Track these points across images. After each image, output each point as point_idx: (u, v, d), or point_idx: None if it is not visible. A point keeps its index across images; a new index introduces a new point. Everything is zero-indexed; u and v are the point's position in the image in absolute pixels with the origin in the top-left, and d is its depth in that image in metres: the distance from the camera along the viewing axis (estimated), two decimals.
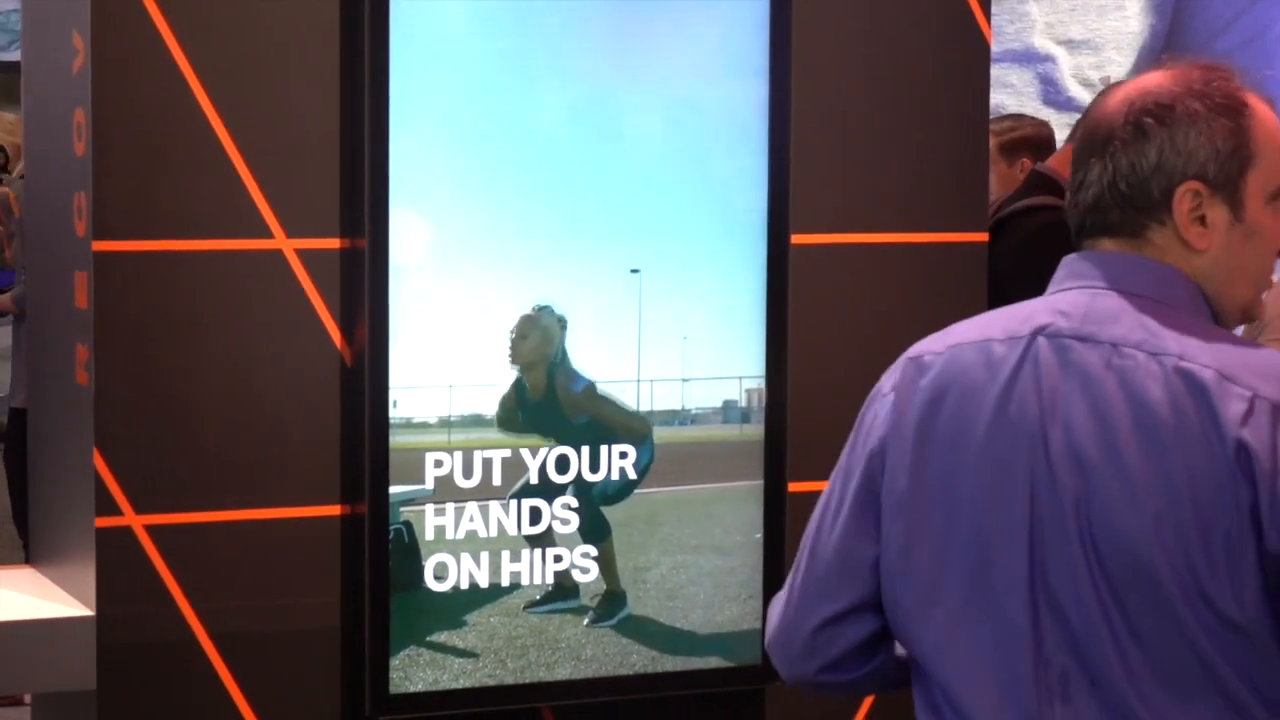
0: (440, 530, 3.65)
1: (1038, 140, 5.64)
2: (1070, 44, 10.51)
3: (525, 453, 3.70)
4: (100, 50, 3.48)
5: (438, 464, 3.64)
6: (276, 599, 3.61)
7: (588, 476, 3.73)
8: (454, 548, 3.66)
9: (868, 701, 3.98)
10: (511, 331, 3.67)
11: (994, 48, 4.19)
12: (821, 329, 3.92)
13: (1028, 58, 10.50)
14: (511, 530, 3.69)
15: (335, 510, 3.63)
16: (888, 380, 2.20)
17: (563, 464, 3.72)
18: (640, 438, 3.75)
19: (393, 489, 3.60)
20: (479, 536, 3.67)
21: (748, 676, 3.83)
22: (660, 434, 3.78)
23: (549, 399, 3.69)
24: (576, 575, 3.73)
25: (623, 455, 3.76)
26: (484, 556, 3.67)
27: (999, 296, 3.85)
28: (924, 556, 2.12)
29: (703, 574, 3.81)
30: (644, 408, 3.76)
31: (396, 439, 3.60)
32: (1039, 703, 2.05)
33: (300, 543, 3.61)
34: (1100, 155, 2.12)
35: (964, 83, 4.05)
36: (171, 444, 3.54)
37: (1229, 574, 1.97)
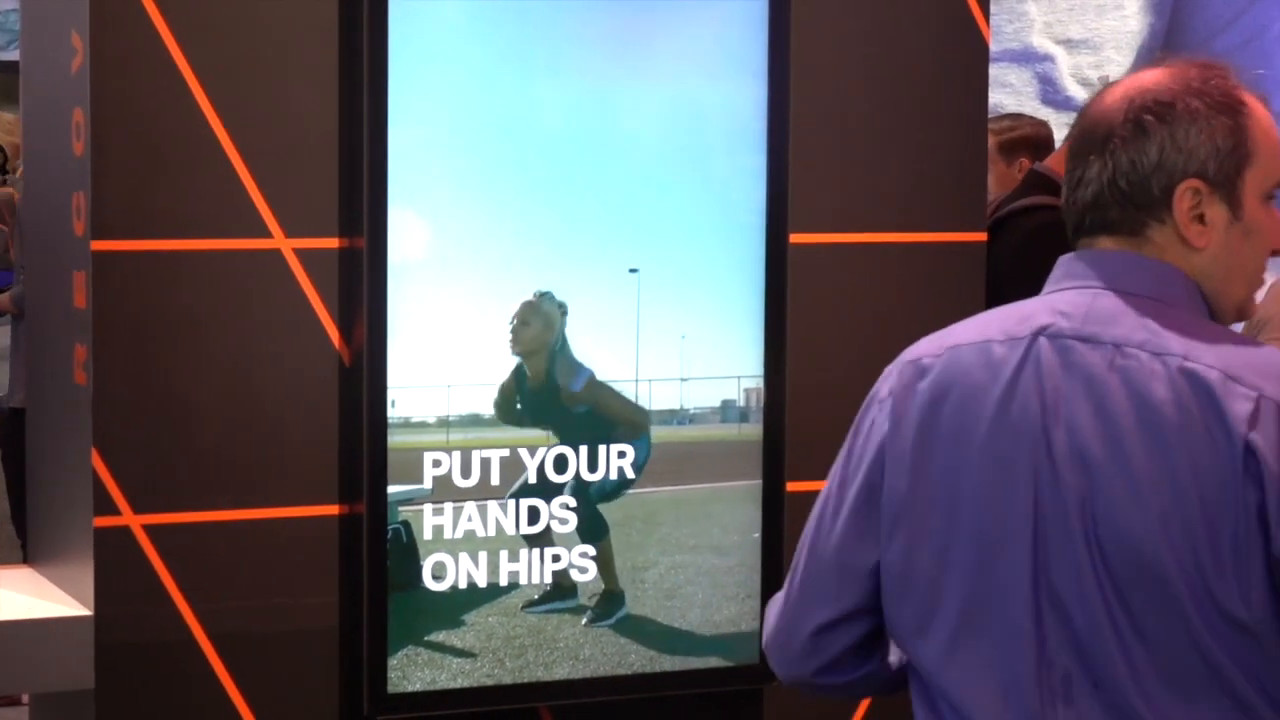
0: (438, 530, 3.65)
1: (1036, 140, 5.64)
2: (1069, 43, 10.51)
3: (523, 452, 3.70)
4: (99, 50, 3.48)
5: (436, 464, 3.64)
6: (275, 599, 3.61)
7: (586, 476, 3.73)
8: (452, 547, 3.66)
9: (866, 700, 3.98)
10: (512, 319, 3.66)
11: (993, 47, 4.19)
12: (820, 329, 3.92)
13: (1026, 57, 10.50)
14: (510, 530, 3.69)
15: (333, 510, 3.63)
16: (884, 384, 2.19)
17: (561, 463, 3.72)
18: (638, 431, 3.75)
19: (391, 489, 3.60)
20: (477, 536, 3.67)
21: (746, 676, 3.83)
22: (659, 433, 3.78)
23: (548, 387, 3.69)
24: (575, 575, 3.73)
25: (621, 455, 3.76)
26: (482, 556, 3.67)
27: (997, 296, 3.85)
28: (926, 558, 2.12)
29: (701, 574, 3.81)
30: (650, 442, 3.76)
31: (395, 439, 3.60)
32: (1041, 704, 2.04)
33: (298, 542, 3.61)
34: (1100, 153, 2.11)
35: (963, 82, 4.05)
36: (170, 444, 3.53)
37: (1236, 574, 1.97)
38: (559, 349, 3.69)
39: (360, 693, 3.62)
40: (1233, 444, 1.97)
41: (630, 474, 3.76)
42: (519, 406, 3.68)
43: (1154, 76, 2.12)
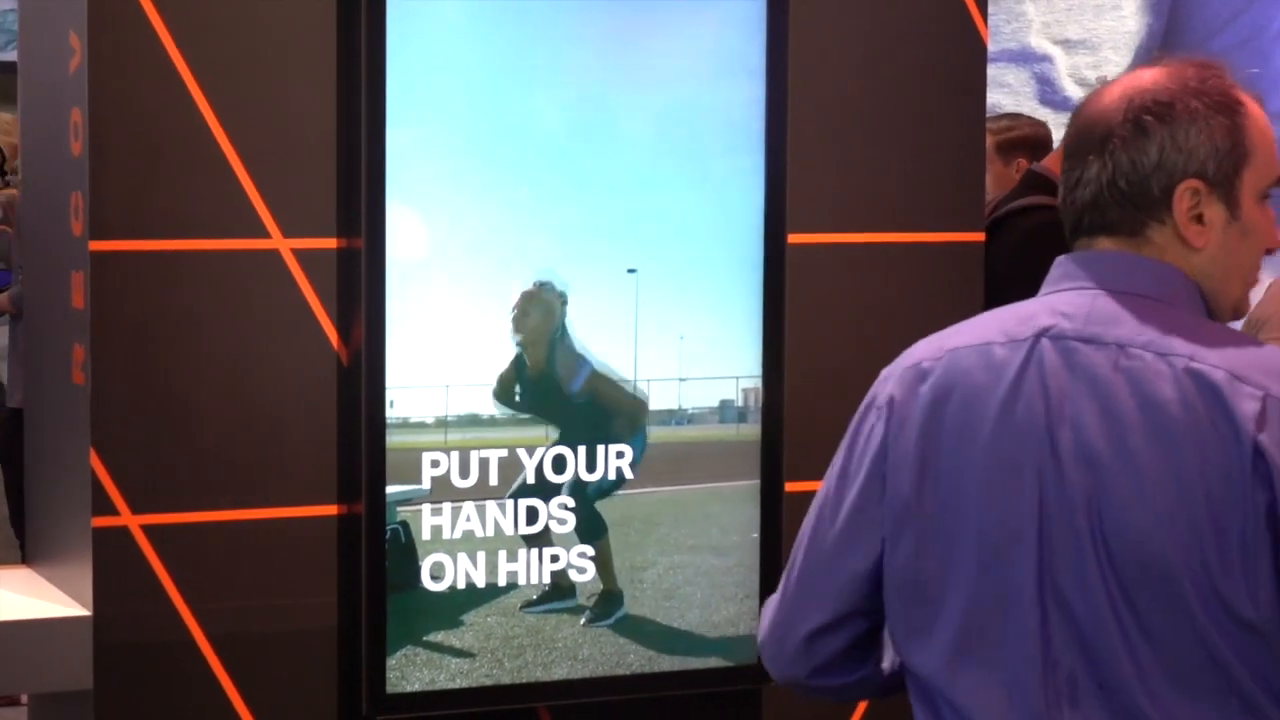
0: (437, 530, 3.65)
1: (1034, 140, 5.64)
2: (1067, 44, 10.51)
3: (522, 452, 3.70)
4: (97, 50, 3.48)
5: (434, 464, 3.64)
6: (273, 599, 3.61)
7: (585, 476, 3.73)
8: (451, 547, 3.66)
9: (864, 702, 3.98)
10: (513, 308, 3.66)
11: (991, 47, 4.19)
12: (818, 329, 3.92)
13: (1024, 57, 10.50)
14: (508, 530, 3.70)
15: (332, 510, 3.63)
16: (883, 390, 2.19)
17: (559, 463, 3.72)
18: (636, 421, 3.74)
19: (389, 489, 3.60)
20: (476, 536, 3.67)
21: (744, 676, 3.83)
22: (657, 434, 3.78)
23: (548, 376, 3.69)
24: (573, 575, 3.73)
25: (620, 455, 3.76)
26: (481, 556, 3.68)
27: (996, 296, 3.85)
28: (931, 561, 2.11)
29: (699, 574, 3.81)
30: (646, 435, 3.76)
31: (393, 439, 3.60)
32: (1047, 706, 2.04)
33: (297, 543, 3.61)
34: (1099, 153, 2.11)
35: (961, 82, 4.05)
36: (168, 444, 3.53)
37: (1244, 573, 1.97)
38: (559, 338, 3.69)
39: (359, 693, 3.62)
40: (1241, 444, 1.97)
41: (629, 474, 3.76)
42: (518, 396, 3.68)
43: (1152, 76, 2.12)
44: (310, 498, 3.62)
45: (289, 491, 3.61)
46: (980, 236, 4.10)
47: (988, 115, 4.27)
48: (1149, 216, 2.10)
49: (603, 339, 3.74)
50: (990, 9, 4.10)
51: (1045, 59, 10.52)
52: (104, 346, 3.50)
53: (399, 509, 3.62)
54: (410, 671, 3.62)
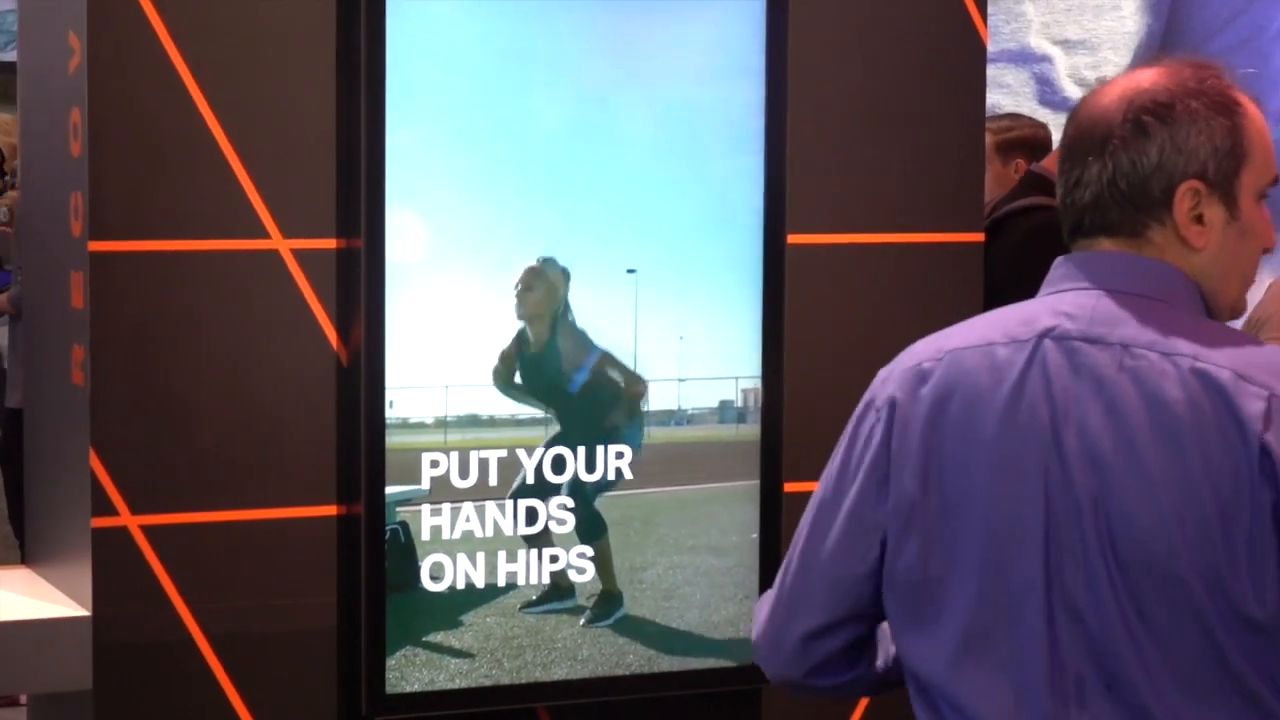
0: (436, 530, 3.65)
1: (1034, 141, 5.64)
2: (1066, 44, 10.50)
3: (521, 453, 3.70)
4: (96, 50, 3.48)
5: (434, 464, 3.64)
6: (273, 599, 3.61)
7: (584, 476, 3.73)
8: (450, 548, 3.66)
9: (863, 701, 3.98)
10: (516, 285, 3.66)
11: (990, 47, 4.19)
12: (818, 329, 3.92)
13: (1024, 58, 10.49)
14: (508, 530, 3.70)
15: (331, 510, 3.63)
16: (881, 391, 2.18)
17: (559, 464, 3.72)
18: (635, 401, 3.74)
19: (389, 489, 3.60)
20: (475, 537, 3.67)
21: (744, 677, 3.83)
22: (656, 434, 3.78)
23: (550, 353, 3.69)
24: (573, 575, 3.73)
25: (619, 455, 3.76)
26: (480, 557, 3.68)
27: (995, 296, 3.85)
28: (936, 563, 2.11)
29: (699, 574, 3.81)
30: (643, 422, 3.76)
31: (393, 439, 3.60)
32: (1055, 708, 2.04)
33: (297, 543, 3.61)
34: (1098, 154, 2.11)
35: (960, 83, 4.05)
36: (168, 444, 3.53)
37: (1250, 573, 1.97)
38: (562, 313, 3.69)
39: (358, 693, 3.62)
40: (1247, 444, 1.97)
41: (627, 473, 3.76)
42: (518, 375, 3.67)
43: (1150, 77, 2.12)
44: (310, 498, 3.62)
45: (288, 492, 3.61)
46: (980, 237, 4.10)
47: (987, 115, 4.27)
48: (1149, 217, 2.10)
49: (602, 339, 3.74)
50: (990, 9, 4.10)
51: (1045, 59, 10.51)
52: (103, 347, 3.50)
53: (398, 509, 3.62)
54: (410, 672, 3.62)
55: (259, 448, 3.58)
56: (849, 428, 2.21)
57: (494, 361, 3.66)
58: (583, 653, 3.73)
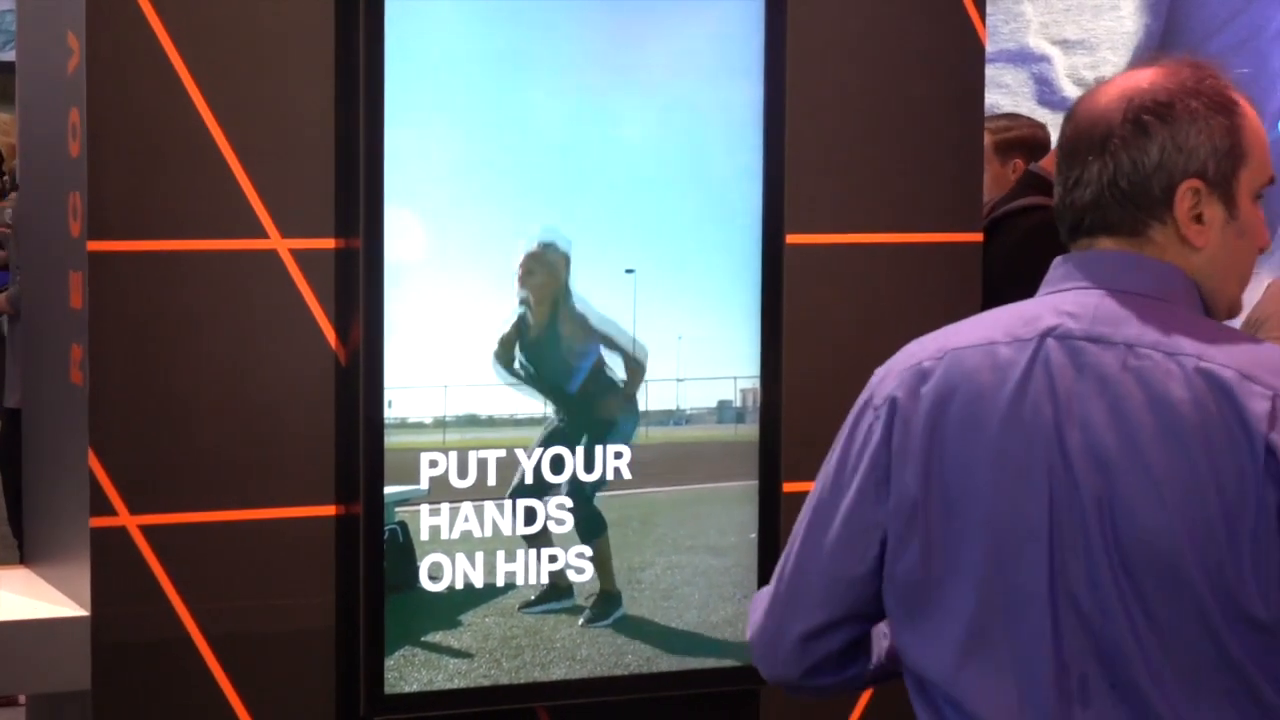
0: (435, 530, 3.65)
1: (1032, 141, 5.64)
2: (1065, 44, 10.50)
3: (520, 453, 3.70)
4: (95, 50, 3.48)
5: (433, 464, 3.64)
6: (271, 599, 3.61)
7: (582, 476, 3.74)
8: (449, 548, 3.66)
9: (863, 700, 3.98)
10: (518, 267, 3.66)
11: (989, 48, 4.19)
12: (816, 329, 3.92)
13: (1023, 58, 10.49)
14: (506, 530, 3.70)
15: (330, 510, 3.63)
16: (880, 390, 2.17)
17: (558, 464, 3.72)
18: (635, 378, 3.73)
19: (388, 489, 3.60)
20: (474, 537, 3.67)
21: (742, 677, 3.83)
22: (655, 434, 3.78)
23: (550, 337, 3.68)
24: (571, 575, 3.73)
25: (618, 455, 3.76)
26: (479, 557, 3.68)
27: (994, 296, 3.85)
28: (938, 562, 2.11)
29: (697, 574, 3.81)
30: (639, 408, 3.76)
31: (391, 439, 3.60)
32: (1059, 707, 2.04)
33: (295, 543, 3.61)
34: (1099, 153, 2.11)
35: (959, 83, 4.06)
36: (166, 444, 3.53)
37: (1255, 573, 1.97)
38: (563, 297, 3.69)
39: (357, 693, 3.62)
40: (1253, 444, 1.97)
41: (626, 473, 3.76)
42: (518, 359, 3.66)
43: (1149, 77, 2.12)
44: (308, 498, 3.62)
45: (287, 492, 3.61)
46: (978, 237, 4.10)
47: (985, 115, 4.27)
48: (1150, 216, 2.10)
49: (602, 328, 3.74)
50: (988, 9, 4.10)
51: (1043, 59, 10.51)
52: (102, 347, 3.50)
53: (397, 509, 3.62)
54: (408, 672, 3.62)
55: (258, 448, 3.58)
56: (846, 427, 2.20)
57: (490, 361, 3.66)
58: (581, 653, 3.73)
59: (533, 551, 3.71)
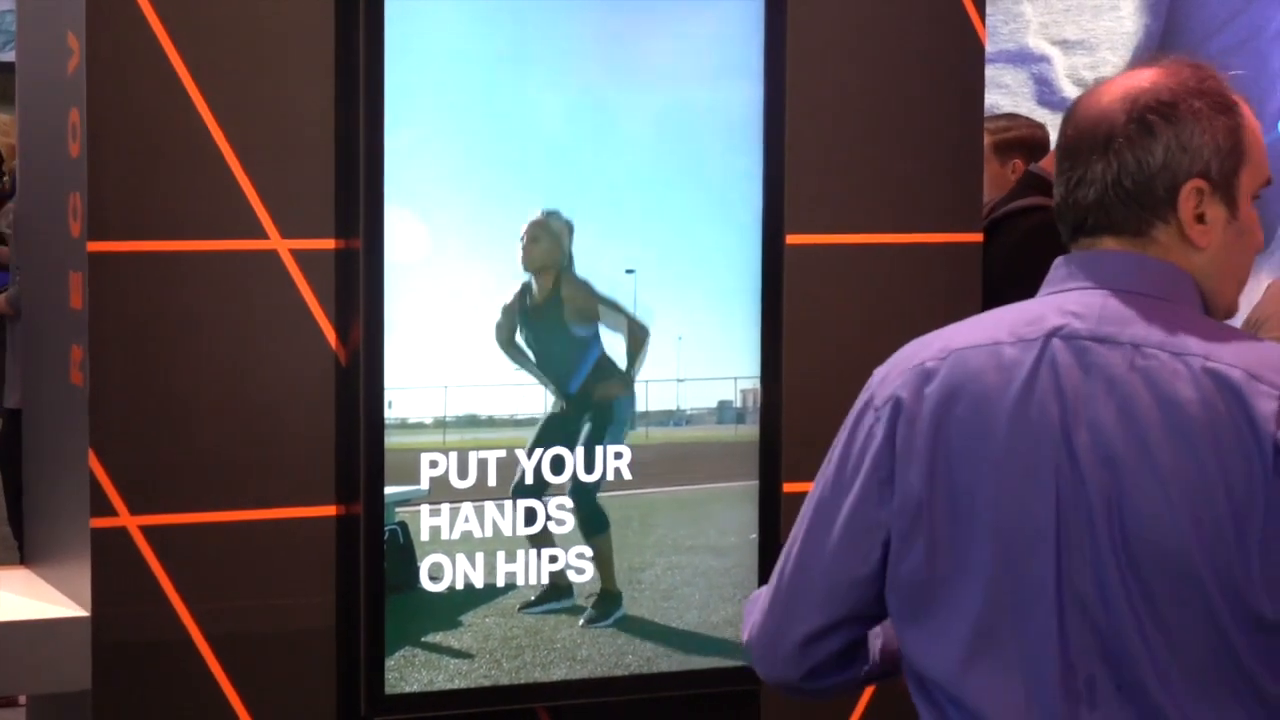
0: (435, 531, 3.65)
1: (1031, 141, 5.64)
2: (1065, 44, 10.49)
3: (520, 453, 3.70)
4: (95, 51, 3.48)
5: (433, 464, 3.64)
6: (272, 599, 3.61)
7: (583, 477, 3.74)
8: (449, 548, 3.66)
9: (863, 700, 3.98)
10: (521, 237, 3.66)
11: (988, 48, 4.19)
12: (816, 329, 3.92)
13: (1022, 58, 10.48)
14: (507, 531, 3.70)
15: (330, 511, 3.63)
16: (881, 390, 2.16)
17: (557, 464, 3.72)
18: (638, 345, 3.73)
19: (388, 489, 3.60)
20: (474, 537, 3.67)
21: (743, 677, 3.83)
22: (655, 434, 3.79)
23: (553, 306, 3.68)
24: (572, 576, 3.73)
25: (618, 456, 3.76)
26: (479, 557, 3.68)
27: (993, 297, 3.85)
28: (942, 561, 2.10)
29: (698, 574, 3.81)
30: (639, 408, 3.77)
31: (391, 439, 3.60)
32: (1066, 708, 2.03)
33: (295, 543, 3.61)
34: (1102, 153, 2.10)
35: (959, 83, 4.06)
36: (166, 444, 3.53)
37: (1264, 573, 1.97)
38: (566, 267, 3.69)
39: (357, 693, 3.62)
40: (1261, 443, 1.97)
41: (626, 473, 3.76)
42: (520, 330, 3.66)
43: (1150, 76, 2.12)
44: (308, 498, 3.62)
45: (287, 492, 3.61)
46: (978, 237, 4.10)
47: (985, 115, 4.27)
48: (1154, 216, 2.10)
49: (601, 335, 3.74)
50: (988, 9, 4.10)
51: (1043, 60, 10.51)
52: (102, 347, 3.50)
53: (397, 509, 3.62)
54: (409, 672, 3.62)
55: (258, 448, 3.58)
56: (846, 428, 2.20)
57: (493, 362, 3.66)
58: (582, 653, 3.73)
59: (533, 552, 3.70)
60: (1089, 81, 2.20)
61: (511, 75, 3.65)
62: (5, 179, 7.62)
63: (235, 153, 3.55)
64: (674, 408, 3.80)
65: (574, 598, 3.73)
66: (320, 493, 3.62)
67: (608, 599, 3.75)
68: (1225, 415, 1.99)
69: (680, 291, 3.78)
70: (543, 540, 3.72)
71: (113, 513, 3.50)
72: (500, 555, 3.69)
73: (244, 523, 3.58)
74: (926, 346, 2.16)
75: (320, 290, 3.61)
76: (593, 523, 3.74)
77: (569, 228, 3.67)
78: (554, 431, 3.71)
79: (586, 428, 3.73)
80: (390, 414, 3.59)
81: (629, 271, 3.74)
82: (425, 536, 3.64)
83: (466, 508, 3.67)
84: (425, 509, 3.64)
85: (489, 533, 3.68)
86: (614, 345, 3.74)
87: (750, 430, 3.84)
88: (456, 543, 3.66)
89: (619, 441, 3.75)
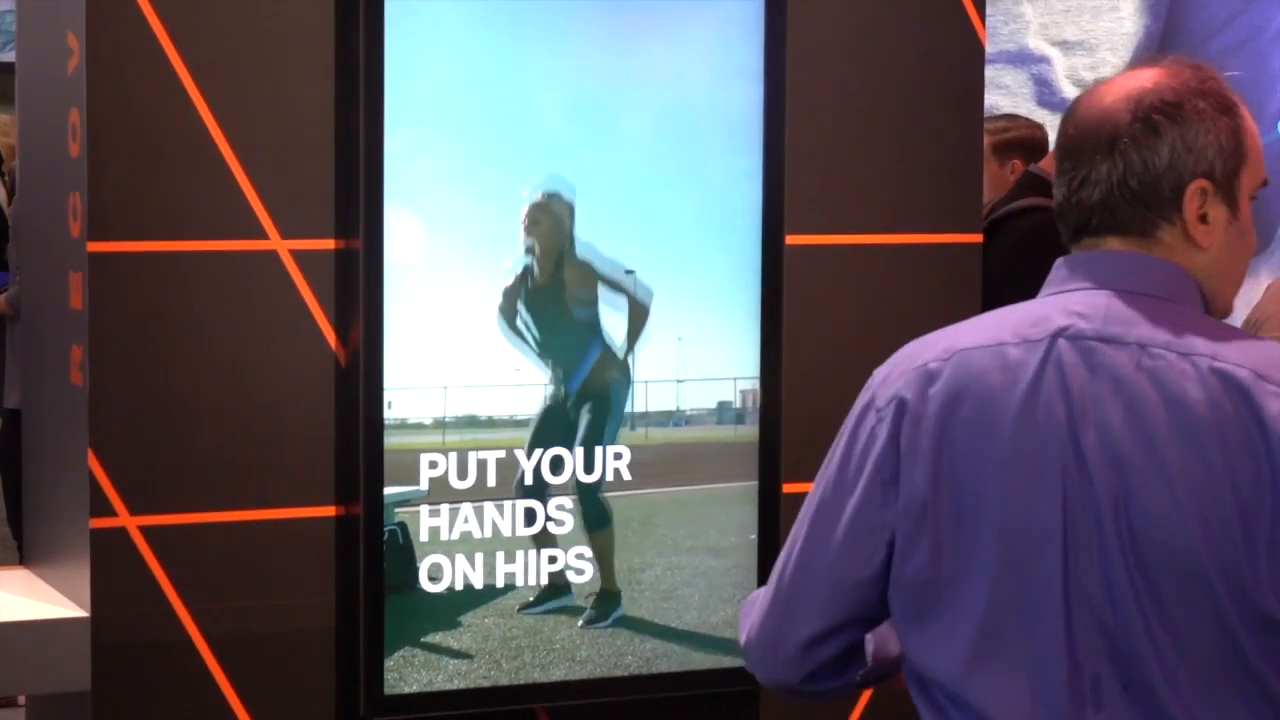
0: (435, 531, 3.65)
1: (1030, 142, 5.64)
2: (1065, 45, 10.49)
3: (519, 454, 3.70)
4: (95, 51, 3.48)
5: (432, 465, 3.64)
6: (271, 600, 3.61)
7: (582, 477, 3.73)
8: (449, 549, 3.66)
9: (863, 700, 3.98)
10: (524, 218, 3.66)
11: (988, 48, 4.19)
12: (816, 330, 3.92)
13: (1022, 59, 10.48)
14: (506, 531, 3.70)
15: (330, 511, 3.63)
16: (883, 391, 2.15)
17: (557, 464, 3.72)
18: (639, 321, 3.73)
19: (387, 490, 3.60)
20: (474, 538, 3.67)
21: (742, 677, 3.81)
22: (655, 435, 3.79)
23: (555, 287, 3.68)
24: (571, 576, 3.73)
25: (618, 456, 3.76)
26: (479, 557, 3.68)
27: (993, 297, 3.85)
28: (947, 562, 2.10)
29: (697, 575, 3.81)
30: (639, 409, 3.77)
31: (391, 440, 3.60)
32: (1072, 709, 2.03)
33: (295, 544, 3.61)
34: (1107, 153, 2.10)
35: (958, 84, 4.06)
36: (166, 445, 3.53)
37: (1271, 572, 1.97)
38: (568, 248, 3.68)
39: (357, 694, 3.62)
40: (1269, 443, 1.97)
41: (626, 474, 3.76)
42: (522, 309, 3.65)
43: (1152, 76, 2.11)
44: (308, 499, 3.62)
45: (287, 492, 3.61)
46: (978, 238, 4.10)
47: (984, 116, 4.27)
48: (1159, 216, 2.10)
49: (601, 336, 3.74)
50: (988, 10, 4.10)
51: (1043, 60, 10.51)
52: (102, 347, 3.50)
53: (397, 510, 3.62)
54: (408, 673, 3.62)
55: (258, 448, 3.58)
56: (846, 429, 2.19)
57: (493, 363, 3.66)
58: (581, 653, 3.73)
59: (533, 552, 3.71)
60: (1088, 82, 2.19)
61: (511, 75, 3.65)
62: (5, 179, 7.62)
63: (235, 153, 3.55)
64: (674, 408, 3.80)
65: (572, 595, 3.73)
66: (320, 493, 3.62)
67: (607, 598, 3.75)
68: (1233, 415, 1.99)
69: (680, 291, 3.78)
70: (542, 540, 3.72)
71: (112, 513, 3.50)
72: (500, 556, 3.69)
73: (244, 523, 3.58)
74: (929, 347, 2.15)
75: (320, 291, 3.61)
76: (596, 517, 3.74)
77: (570, 209, 3.67)
78: (553, 423, 3.71)
79: (586, 421, 3.73)
80: (390, 414, 3.59)
81: (629, 272, 3.75)
82: (425, 537, 3.64)
83: (466, 508, 3.67)
84: (425, 509, 3.64)
85: (488, 533, 3.68)
86: (615, 327, 3.73)
87: (750, 430, 3.84)
88: (456, 543, 3.66)
89: (615, 441, 3.75)
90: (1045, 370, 2.07)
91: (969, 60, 4.06)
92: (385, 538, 3.60)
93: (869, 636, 2.25)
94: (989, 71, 4.32)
